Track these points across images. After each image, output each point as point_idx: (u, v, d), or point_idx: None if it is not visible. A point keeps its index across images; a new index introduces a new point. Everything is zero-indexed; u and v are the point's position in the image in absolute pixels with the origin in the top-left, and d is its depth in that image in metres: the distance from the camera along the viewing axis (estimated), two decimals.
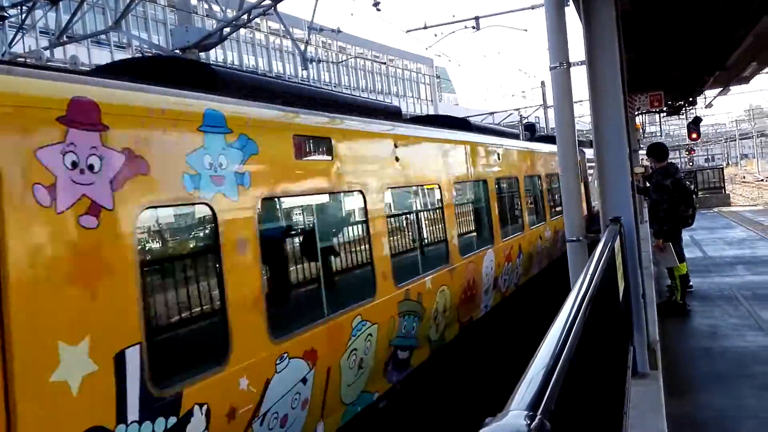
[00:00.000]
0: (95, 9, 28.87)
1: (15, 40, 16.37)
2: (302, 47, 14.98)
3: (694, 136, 24.90)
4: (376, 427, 6.59)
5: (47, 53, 13.54)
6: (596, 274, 2.72)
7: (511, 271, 11.54)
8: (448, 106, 69.93)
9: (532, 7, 21.28)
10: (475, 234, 10.31)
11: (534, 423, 1.06)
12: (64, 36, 14.89)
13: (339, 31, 21.94)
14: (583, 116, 38.09)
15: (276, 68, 47.00)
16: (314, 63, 19.34)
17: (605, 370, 2.94)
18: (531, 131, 21.47)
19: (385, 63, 56.04)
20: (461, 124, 12.30)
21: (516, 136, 17.42)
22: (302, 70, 15.10)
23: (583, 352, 2.07)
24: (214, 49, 17.07)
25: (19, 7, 16.00)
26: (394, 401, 7.10)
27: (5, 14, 16.27)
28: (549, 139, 17.08)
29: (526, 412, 1.13)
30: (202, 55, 13.45)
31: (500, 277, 10.79)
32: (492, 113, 43.28)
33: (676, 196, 9.26)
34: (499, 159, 11.74)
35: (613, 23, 5.13)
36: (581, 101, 31.63)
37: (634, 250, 5.36)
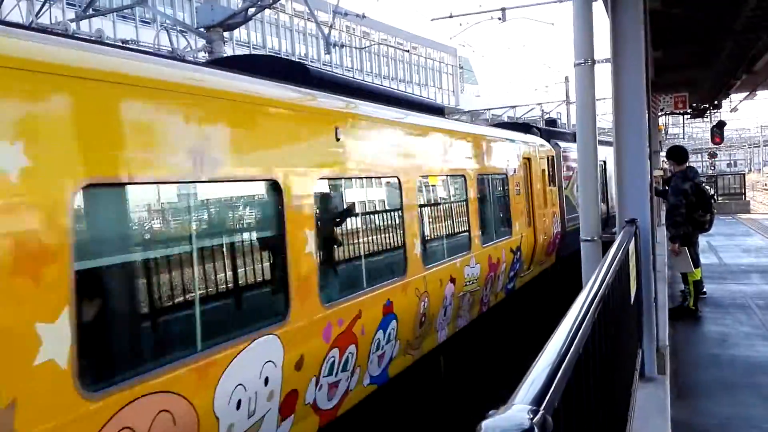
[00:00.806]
0: None
1: (42, 11, 16.47)
2: (326, 31, 14.93)
3: (717, 140, 24.61)
4: (373, 424, 6.58)
5: (74, 25, 13.62)
6: (609, 274, 2.70)
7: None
8: (469, 98, 69.56)
9: (559, 0, 21.06)
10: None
11: (536, 418, 1.06)
12: (91, 9, 14.96)
13: (364, 16, 21.84)
14: (605, 114, 37.73)
15: (299, 51, 46.95)
16: (337, 47, 19.28)
17: (613, 371, 2.93)
18: (552, 126, 20.94)
19: (408, 51, 55.77)
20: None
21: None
22: (325, 54, 15.04)
23: (590, 351, 2.06)
24: (237, 29, 17.07)
25: None
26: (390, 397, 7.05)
27: None
28: (517, 127, 14.42)
29: (530, 407, 1.12)
30: (226, 34, 13.47)
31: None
32: (513, 107, 43.01)
33: (694, 200, 9.16)
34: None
35: (641, 21, 5.06)
36: (604, 99, 31.33)
37: (649, 253, 5.31)
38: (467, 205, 9.00)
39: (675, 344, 7.38)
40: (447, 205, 8.61)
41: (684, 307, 9.35)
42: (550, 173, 14.36)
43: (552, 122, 22.44)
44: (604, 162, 17.88)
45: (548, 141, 14.97)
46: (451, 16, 22.21)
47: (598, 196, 5.33)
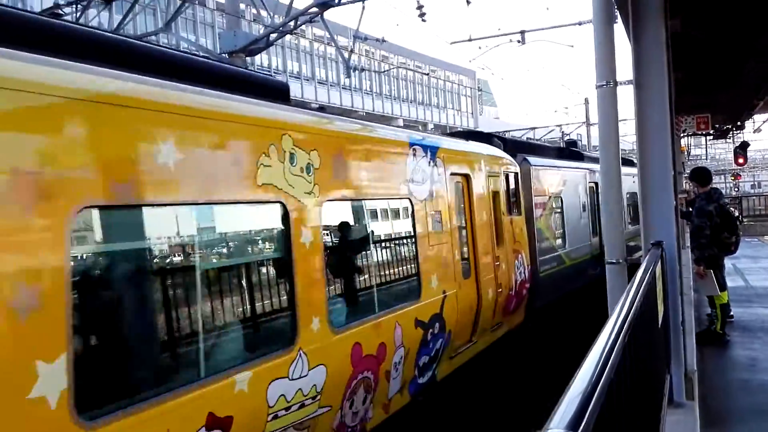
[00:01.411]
0: (146, 10, 29.61)
1: None
2: (346, 55, 15.09)
3: (740, 160, 24.37)
4: None
5: None
6: (637, 297, 2.67)
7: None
8: (488, 120, 69.63)
9: (579, 23, 21.10)
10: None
11: None
12: (116, 35, 15.27)
13: (384, 41, 22.07)
14: (625, 135, 37.53)
15: (319, 74, 47.45)
16: (357, 71, 19.49)
17: (642, 397, 2.87)
18: (573, 146, 20.69)
19: (426, 74, 56.14)
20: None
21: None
22: (345, 77, 15.18)
23: (621, 376, 2.02)
24: (258, 54, 17.32)
25: (74, 6, 16.49)
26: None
27: (61, 12, 16.78)
28: (473, 136, 11.20)
29: (565, 431, 1.11)
30: (248, 59, 13.67)
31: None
32: (533, 128, 42.99)
33: (719, 222, 9.04)
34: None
35: (663, 43, 5.05)
36: (624, 120, 31.21)
37: (675, 276, 5.24)
38: (289, 259, 5.01)
39: (703, 369, 7.23)
40: (233, 264, 4.82)
41: (711, 331, 9.18)
42: (512, 198, 10.74)
43: (572, 143, 22.35)
44: (595, 184, 15.50)
45: (513, 155, 11.56)
46: (470, 40, 22.36)
47: (622, 219, 5.27)
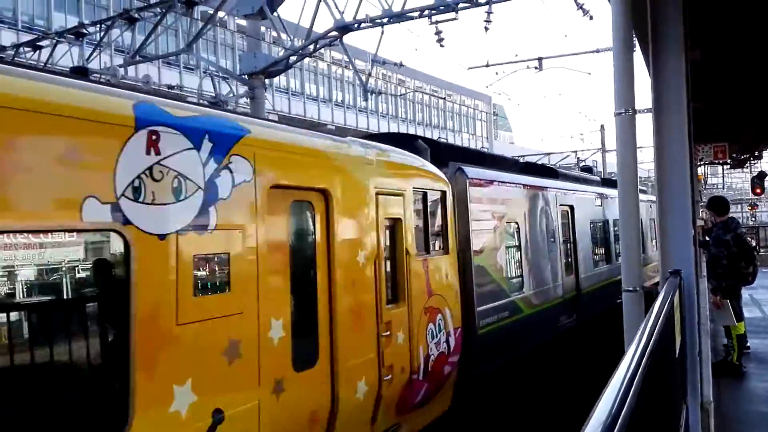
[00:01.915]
0: (168, 31, 30.07)
1: (92, 56, 17.16)
2: (364, 78, 15.23)
3: (758, 190, 24.16)
4: None
5: (122, 71, 14.15)
6: (656, 327, 2.65)
7: None
8: (503, 144, 69.73)
9: (597, 51, 21.17)
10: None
11: None
12: (138, 55, 15.54)
13: (402, 65, 22.26)
14: (642, 162, 37.40)
15: (336, 97, 47.85)
16: (374, 94, 19.64)
17: (658, 428, 2.84)
18: (589, 172, 20.69)
19: (444, 98, 56.44)
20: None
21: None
22: (362, 101, 15.30)
23: (640, 407, 2.01)
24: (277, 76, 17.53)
25: (98, 25, 16.81)
26: None
27: (85, 31, 17.11)
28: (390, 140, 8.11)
29: None
30: (267, 81, 13.83)
31: None
32: (548, 154, 42.95)
33: (736, 251, 8.97)
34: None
35: (682, 72, 5.06)
36: (641, 148, 31.13)
37: (693, 305, 5.20)
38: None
39: (719, 400, 7.13)
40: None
41: (728, 362, 9.07)
42: (433, 228, 7.77)
43: (588, 170, 22.30)
44: (570, 208, 13.41)
45: (444, 164, 8.70)
46: (487, 65, 22.50)
47: (640, 247, 5.24)
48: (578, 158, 38.86)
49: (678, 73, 5.01)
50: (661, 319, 2.85)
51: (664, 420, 3.03)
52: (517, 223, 10.61)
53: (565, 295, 12.36)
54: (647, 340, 2.38)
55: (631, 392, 1.65)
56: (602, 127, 37.24)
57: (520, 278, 10.52)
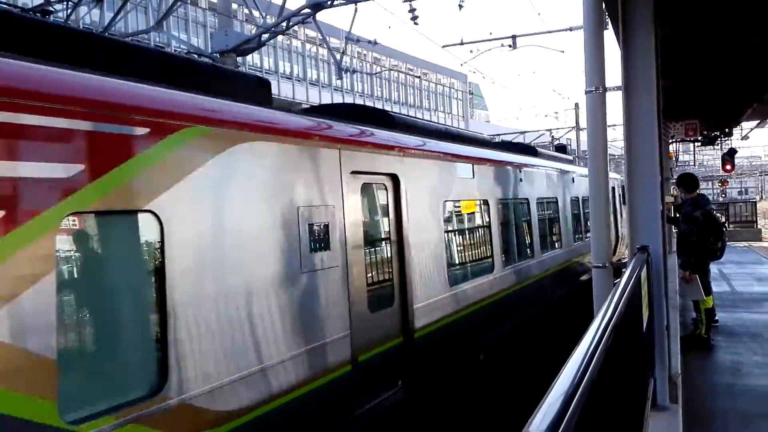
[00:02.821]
0: (138, 9, 29.49)
1: None
2: (338, 57, 15.11)
3: (728, 167, 24.59)
4: None
5: None
6: (621, 301, 2.70)
7: None
8: (479, 123, 69.83)
9: (570, 29, 21.21)
10: None
11: None
12: (106, 33, 15.23)
13: (376, 43, 22.09)
14: (615, 140, 37.73)
15: (311, 75, 47.43)
16: (349, 73, 19.50)
17: (625, 399, 2.91)
18: (562, 152, 20.48)
19: (418, 77, 56.26)
20: None
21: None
22: (336, 79, 15.22)
23: (603, 379, 2.05)
24: (250, 54, 17.31)
25: (65, 3, 16.42)
26: None
27: (51, 9, 16.70)
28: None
29: None
30: (239, 59, 13.65)
31: None
32: (523, 132, 43.13)
33: (705, 227, 9.14)
34: None
35: (652, 49, 5.10)
36: (614, 125, 31.41)
37: (661, 280, 5.29)
38: None
39: (688, 373, 7.30)
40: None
41: (696, 335, 9.27)
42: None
43: (561, 148, 22.42)
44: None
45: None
46: (462, 43, 22.43)
47: (611, 222, 5.30)
48: (552, 136, 39.10)
49: (647, 51, 5.05)
50: (626, 293, 2.90)
51: (629, 391, 3.10)
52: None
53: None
54: (612, 313, 2.42)
55: (593, 363, 1.68)
56: (576, 105, 37.47)
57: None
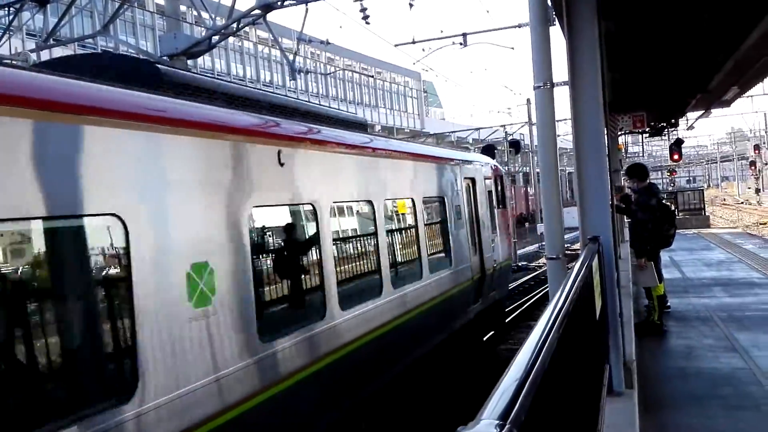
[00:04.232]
0: (83, 12, 28.76)
1: (1, 41, 16.26)
2: (291, 57, 15.02)
3: (675, 157, 25.30)
4: None
5: (34, 56, 13.47)
6: (572, 291, 2.76)
7: None
8: (434, 121, 70.23)
9: (519, 26, 21.53)
10: None
11: (503, 431, 1.09)
12: (51, 39, 14.82)
13: (328, 43, 22.05)
14: (567, 134, 38.44)
15: (264, 77, 47.01)
16: (302, 74, 19.41)
17: (580, 386, 2.98)
18: (516, 147, 20.67)
19: (372, 76, 56.31)
20: None
21: None
22: (290, 80, 15.12)
23: (557, 367, 2.10)
24: (201, 57, 17.07)
25: (6, 9, 15.92)
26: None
27: None
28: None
29: (497, 422, 1.15)
30: (190, 62, 13.46)
31: None
32: (478, 129, 43.58)
33: (659, 215, 9.40)
34: None
35: (596, 43, 5.23)
36: (566, 119, 32.00)
37: (612, 269, 5.42)
38: None
39: (642, 358, 7.49)
40: None
41: (649, 321, 9.51)
42: None
43: (515, 144, 22.74)
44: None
45: None
46: (413, 42, 22.56)
47: (561, 214, 5.42)
48: (506, 132, 39.61)
49: (592, 46, 5.17)
50: (577, 282, 2.97)
51: (584, 378, 3.17)
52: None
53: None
54: (564, 301, 2.48)
55: (544, 352, 1.72)
56: (528, 100, 38.04)
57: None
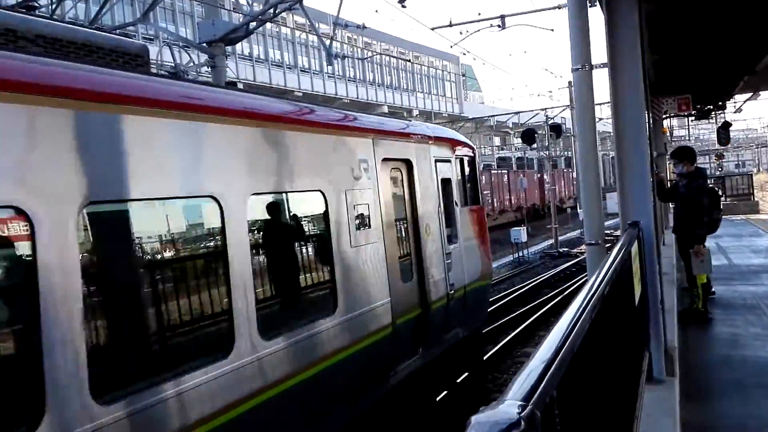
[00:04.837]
0: (123, 1, 29.28)
1: None
2: (327, 42, 15.03)
3: (723, 141, 24.59)
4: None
5: None
6: (608, 275, 2.71)
7: None
8: (474, 105, 69.60)
9: (558, 7, 21.11)
10: None
11: (525, 412, 1.08)
12: (94, 26, 15.12)
13: (364, 27, 21.98)
14: (609, 118, 37.70)
15: (301, 62, 47.19)
16: (339, 59, 19.41)
17: (615, 373, 2.93)
18: (557, 132, 20.27)
19: (410, 60, 56.01)
20: None
21: None
22: (327, 65, 15.13)
23: (588, 351, 2.07)
24: (240, 43, 17.22)
25: None
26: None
27: (36, 4, 16.54)
28: None
29: (520, 402, 1.14)
30: (228, 48, 13.59)
31: None
32: (518, 113, 43.05)
33: (709, 200, 9.16)
34: None
35: (636, 24, 5.09)
36: (607, 103, 31.39)
37: (653, 255, 5.31)
38: None
39: (685, 346, 7.35)
40: None
41: (694, 309, 9.30)
42: None
43: (556, 128, 22.40)
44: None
45: None
46: (450, 25, 22.32)
47: (600, 199, 5.31)
48: (547, 116, 39.01)
49: (632, 26, 5.04)
50: (614, 267, 2.92)
51: (621, 363, 3.12)
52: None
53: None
54: (599, 284, 2.44)
55: (574, 333, 1.69)
56: (569, 83, 37.34)
57: None
